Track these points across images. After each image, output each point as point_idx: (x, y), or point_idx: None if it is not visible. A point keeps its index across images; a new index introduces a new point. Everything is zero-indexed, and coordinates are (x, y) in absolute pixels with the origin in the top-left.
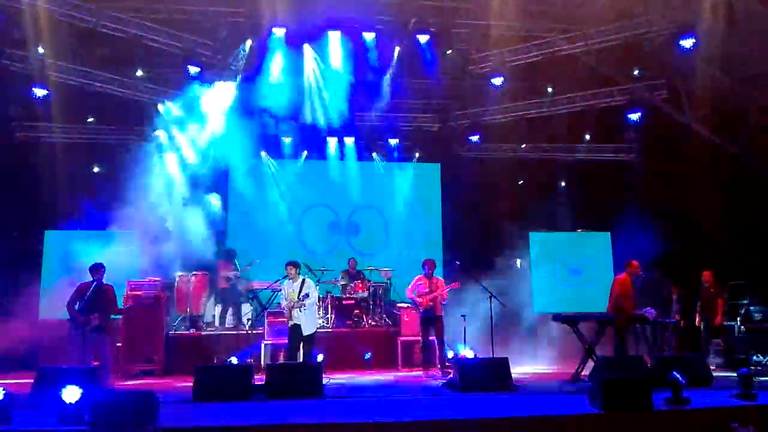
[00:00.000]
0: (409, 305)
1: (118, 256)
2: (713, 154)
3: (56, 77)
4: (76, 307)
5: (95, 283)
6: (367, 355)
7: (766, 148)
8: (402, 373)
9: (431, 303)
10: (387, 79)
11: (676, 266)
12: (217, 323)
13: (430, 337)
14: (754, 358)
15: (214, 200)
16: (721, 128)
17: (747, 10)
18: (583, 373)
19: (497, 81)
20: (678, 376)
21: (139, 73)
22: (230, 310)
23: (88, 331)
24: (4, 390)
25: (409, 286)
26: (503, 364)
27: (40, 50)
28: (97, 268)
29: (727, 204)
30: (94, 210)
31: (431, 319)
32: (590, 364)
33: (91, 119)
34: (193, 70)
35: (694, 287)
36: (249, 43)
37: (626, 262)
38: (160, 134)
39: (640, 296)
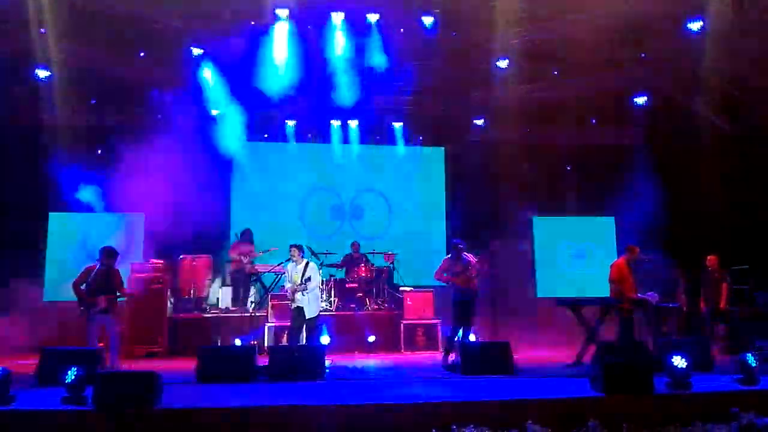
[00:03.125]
0: (413, 288)
1: (122, 238)
2: (719, 139)
3: (59, 58)
4: (83, 287)
5: (104, 268)
6: (371, 338)
7: None
8: (404, 356)
9: (467, 284)
10: (391, 61)
11: (680, 250)
12: (221, 305)
13: (461, 330)
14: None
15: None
16: (727, 112)
17: None
18: (585, 358)
19: (502, 64)
20: (680, 360)
21: (142, 54)
22: (240, 292)
23: (94, 313)
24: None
25: (438, 269)
26: (505, 348)
27: (43, 31)
28: (111, 253)
29: (733, 188)
30: (97, 192)
31: (467, 302)
32: (592, 348)
33: (94, 101)
34: (196, 51)
35: (699, 271)
36: (251, 23)
37: (626, 246)
38: (163, 116)
39: (643, 281)
